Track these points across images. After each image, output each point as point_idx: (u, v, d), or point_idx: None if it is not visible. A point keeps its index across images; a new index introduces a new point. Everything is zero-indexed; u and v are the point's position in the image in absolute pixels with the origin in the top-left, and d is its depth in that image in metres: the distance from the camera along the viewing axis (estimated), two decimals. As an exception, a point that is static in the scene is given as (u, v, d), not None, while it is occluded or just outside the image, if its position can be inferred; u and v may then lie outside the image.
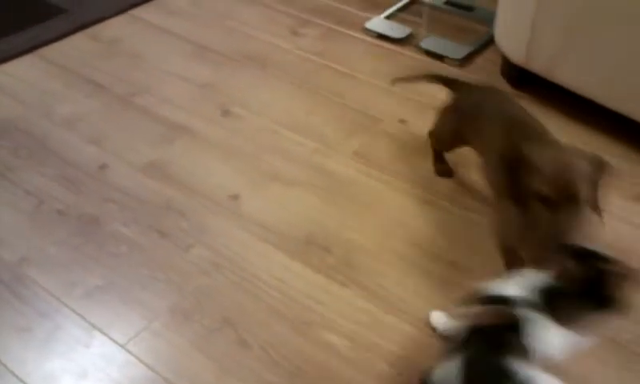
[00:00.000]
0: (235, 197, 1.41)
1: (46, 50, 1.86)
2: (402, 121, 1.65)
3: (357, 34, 2.01)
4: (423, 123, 1.64)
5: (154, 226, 1.34)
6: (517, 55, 1.70)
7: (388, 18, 2.06)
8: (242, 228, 1.34)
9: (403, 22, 2.05)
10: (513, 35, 1.69)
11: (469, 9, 2.11)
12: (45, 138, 1.56)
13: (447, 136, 1.41)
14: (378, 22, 2.03)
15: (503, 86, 1.76)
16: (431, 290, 1.21)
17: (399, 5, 2.13)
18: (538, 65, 1.66)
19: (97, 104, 1.68)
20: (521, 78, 1.75)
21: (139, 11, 2.07)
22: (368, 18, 2.05)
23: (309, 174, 1.49)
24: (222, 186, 1.44)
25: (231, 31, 2.00)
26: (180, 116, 1.65)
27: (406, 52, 1.93)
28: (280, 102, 1.72)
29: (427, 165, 1.50)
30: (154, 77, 1.79)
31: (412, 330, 1.14)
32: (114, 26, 2.00)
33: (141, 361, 1.09)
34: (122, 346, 1.12)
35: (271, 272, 1.25)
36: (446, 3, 2.15)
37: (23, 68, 1.80)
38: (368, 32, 2.00)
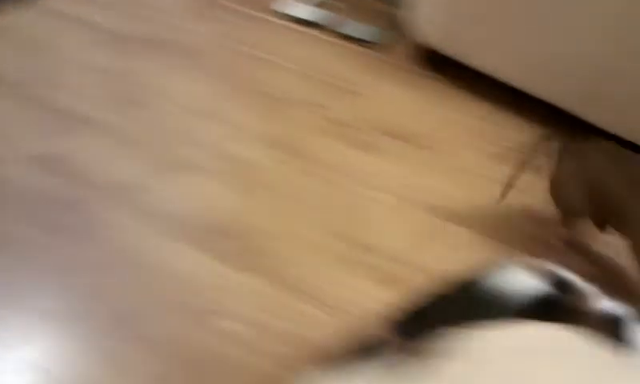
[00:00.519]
0: (140, 186, 1.32)
1: None
2: (320, 106, 1.60)
3: (268, 17, 1.92)
4: (341, 108, 1.61)
5: (45, 224, 1.22)
6: (432, 39, 1.69)
7: (306, 2, 2.00)
8: (143, 221, 1.24)
9: (316, 4, 1.99)
10: (429, 20, 1.67)
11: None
12: None
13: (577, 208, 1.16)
14: (288, 4, 1.95)
15: (415, 68, 1.75)
16: (343, 273, 1.18)
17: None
18: (453, 49, 1.66)
19: (-18, 95, 1.52)
20: (434, 60, 1.76)
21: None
22: (283, 2, 1.97)
23: (218, 161, 1.40)
24: (125, 177, 1.34)
25: (141, 18, 1.87)
26: (82, 106, 1.52)
27: (320, 35, 1.87)
28: (189, 87, 1.61)
29: (344, 149, 1.46)
30: (55, 66, 1.64)
31: (317, 312, 1.10)
32: (14, 13, 1.83)
33: (33, 365, 0.99)
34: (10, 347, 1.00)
35: (172, 264, 1.16)
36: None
37: None
38: (279, 15, 1.93)
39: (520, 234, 1.29)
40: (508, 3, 1.49)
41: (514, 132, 1.56)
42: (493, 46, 1.57)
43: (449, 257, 1.24)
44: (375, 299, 1.15)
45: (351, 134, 1.53)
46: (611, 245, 1.24)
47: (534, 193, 1.37)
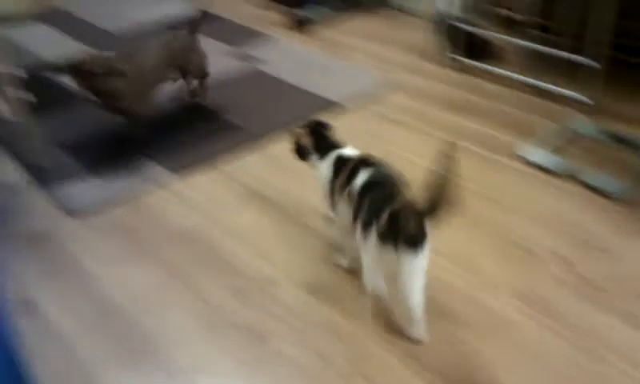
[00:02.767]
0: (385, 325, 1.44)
1: (223, 164, 2.05)
2: (567, 260, 1.62)
3: (510, 162, 2.02)
4: (590, 265, 1.59)
5: (316, 349, 1.40)
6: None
7: (543, 147, 2.06)
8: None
9: (559, 151, 2.04)
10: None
11: (632, 144, 2.06)
12: (220, 249, 1.70)
13: None
14: (533, 151, 2.03)
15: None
16: None
17: (554, 134, 2.13)
18: None
19: (267, 219, 1.81)
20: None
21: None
22: (521, 146, 2.06)
23: (465, 307, 1.49)
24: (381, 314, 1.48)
25: (389, 155, 2.08)
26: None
27: (562, 183, 1.91)
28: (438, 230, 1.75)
29: (592, 311, 1.45)
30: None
31: None
32: (285, 144, 2.16)
33: None
34: None
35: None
36: (609, 136, 2.11)
37: (202, 180, 1.98)
38: (521, 160, 2.01)
39: None
40: None
41: None
42: None
43: None
44: None
45: (604, 297, 1.50)
46: None
47: None
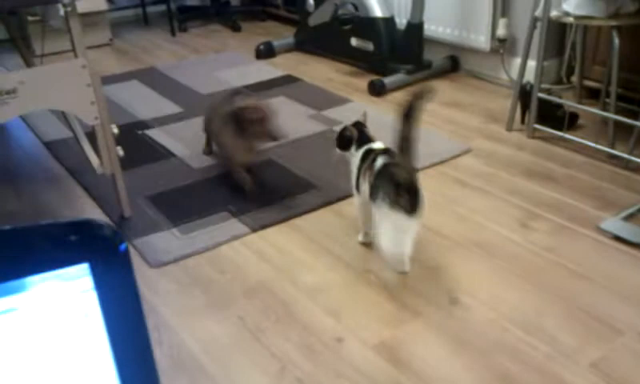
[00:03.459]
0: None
1: (298, 221, 2.12)
2: (646, 337, 1.56)
3: (590, 233, 1.98)
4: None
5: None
6: None
7: (625, 218, 2.01)
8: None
9: (625, 218, 1.99)
10: None
11: None
12: (291, 304, 1.74)
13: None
14: (614, 223, 1.99)
15: None
16: None
17: (635, 205, 2.08)
18: None
19: (337, 277, 1.85)
20: None
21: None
22: (602, 218, 2.02)
23: (539, 380, 1.45)
24: (447, 379, 1.47)
25: (460, 218, 2.10)
26: (411, 297, 1.74)
27: (648, 258, 1.85)
28: (509, 295, 1.73)
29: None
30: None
31: None
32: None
33: None
34: None
35: None
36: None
37: (278, 236, 2.05)
38: (602, 232, 1.97)
39: None
40: None
41: None
42: None
43: None
44: None
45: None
46: None
47: None
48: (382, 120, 2.85)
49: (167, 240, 2.03)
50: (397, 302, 1.73)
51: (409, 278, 1.82)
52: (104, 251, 0.57)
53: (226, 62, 3.76)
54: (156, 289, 1.83)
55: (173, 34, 4.34)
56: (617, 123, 2.46)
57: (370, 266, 1.88)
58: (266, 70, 3.58)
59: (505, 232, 2.00)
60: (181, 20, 4.48)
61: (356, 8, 3.44)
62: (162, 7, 4.62)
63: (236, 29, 4.42)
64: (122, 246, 0.59)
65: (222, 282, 1.84)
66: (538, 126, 2.63)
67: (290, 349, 1.59)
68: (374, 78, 3.22)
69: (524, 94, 2.70)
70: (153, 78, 3.51)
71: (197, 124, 2.88)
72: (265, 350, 1.59)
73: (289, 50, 3.89)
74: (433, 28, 3.43)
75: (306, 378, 1.50)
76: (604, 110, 2.62)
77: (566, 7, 2.44)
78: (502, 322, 1.64)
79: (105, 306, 0.63)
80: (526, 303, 1.70)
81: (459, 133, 2.71)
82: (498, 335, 1.59)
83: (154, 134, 2.80)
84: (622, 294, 1.71)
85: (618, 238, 1.93)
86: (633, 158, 2.32)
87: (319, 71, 3.54)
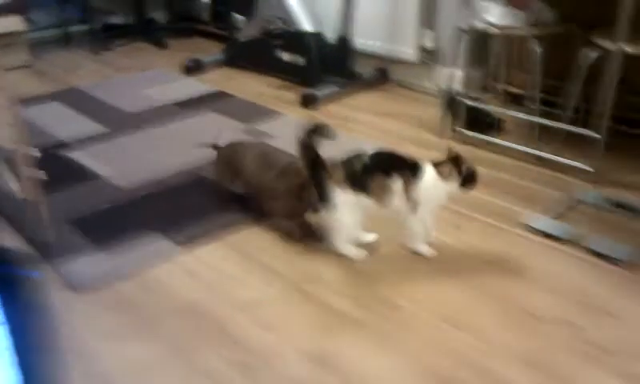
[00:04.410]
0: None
1: (230, 237, 2.06)
2: (577, 326, 1.60)
3: (520, 232, 2.03)
4: (600, 331, 1.58)
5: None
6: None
7: (547, 214, 2.07)
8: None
9: (564, 219, 2.05)
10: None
11: (634, 210, 2.08)
12: (224, 321, 1.68)
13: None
14: (542, 221, 2.04)
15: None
16: None
17: (558, 202, 2.14)
18: None
19: (272, 290, 1.80)
20: None
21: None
22: (526, 215, 2.07)
23: (472, 376, 1.45)
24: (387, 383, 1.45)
25: (394, 223, 2.10)
26: (347, 305, 1.72)
27: (568, 250, 1.91)
28: (443, 295, 1.74)
29: (598, 375, 1.41)
30: (323, 265, 1.90)
31: None
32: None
33: None
34: None
35: None
36: (611, 203, 2.13)
37: (209, 253, 1.99)
38: (531, 230, 2.01)
39: None
40: None
41: None
42: None
43: None
44: None
45: (613, 362, 1.48)
46: None
47: None
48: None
49: (92, 264, 1.93)
50: (334, 311, 1.70)
51: (345, 285, 1.80)
52: (12, 279, 0.52)
53: (152, 80, 3.66)
54: (79, 314, 1.72)
55: (96, 52, 4.21)
56: (541, 126, 2.55)
57: (304, 276, 1.85)
58: (196, 86, 3.51)
59: (438, 235, 2.01)
60: (104, 38, 4.35)
61: (285, 23, 3.43)
62: (84, 26, 4.48)
63: (162, 46, 4.33)
64: (35, 273, 0.54)
65: (150, 304, 1.76)
66: (467, 132, 2.69)
67: (224, 367, 1.52)
68: (306, 91, 3.21)
69: (452, 103, 2.76)
70: (75, 99, 3.37)
71: (123, 143, 2.78)
72: (196, 371, 1.52)
73: (218, 65, 3.83)
74: (362, 41, 3.46)
75: (242, 396, 1.44)
76: (529, 114, 2.70)
77: (490, 18, 2.52)
78: (437, 322, 1.64)
79: (15, 335, 0.57)
80: (459, 301, 1.71)
81: (391, 141, 2.74)
82: (433, 334, 1.59)
83: (78, 155, 2.68)
84: (548, 285, 1.76)
85: (545, 235, 1.98)
86: (557, 159, 2.41)
87: (250, 86, 3.50)
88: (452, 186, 1.85)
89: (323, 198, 1.85)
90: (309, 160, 1.87)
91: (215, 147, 2.26)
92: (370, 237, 1.98)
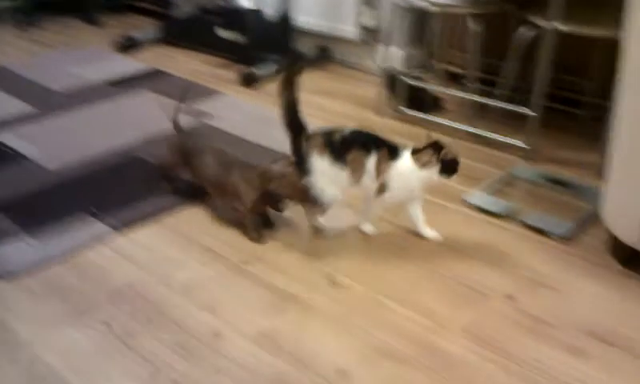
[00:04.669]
0: (343, 373, 1.40)
1: (166, 218, 2.00)
2: (510, 297, 1.64)
3: (458, 207, 2.05)
4: (537, 303, 1.62)
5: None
6: (628, 235, 1.68)
7: (486, 191, 2.11)
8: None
9: (502, 195, 2.09)
10: (624, 215, 1.68)
11: (569, 185, 2.14)
12: (162, 304, 1.63)
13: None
14: (479, 196, 2.07)
15: (611, 263, 1.74)
16: None
17: (497, 179, 2.19)
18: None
19: (211, 271, 1.76)
20: (631, 257, 1.72)
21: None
22: (466, 192, 2.10)
23: (418, 351, 1.47)
24: (331, 361, 1.44)
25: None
26: (290, 285, 1.70)
27: (505, 225, 1.95)
28: (385, 273, 1.74)
29: (538, 346, 1.45)
30: (264, 245, 1.87)
31: None
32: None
33: None
34: None
35: None
36: (546, 179, 2.19)
37: (145, 234, 1.92)
38: (468, 205, 2.05)
39: None
40: None
41: None
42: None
43: None
44: None
45: (552, 333, 1.52)
46: None
47: None
48: (253, 111, 2.80)
49: (20, 250, 1.83)
50: (275, 290, 1.68)
51: (290, 266, 1.78)
52: None
53: (84, 58, 3.50)
54: (7, 303, 1.63)
55: (24, 29, 3.99)
56: (480, 105, 2.59)
57: (245, 256, 1.81)
58: (129, 65, 3.38)
59: (382, 214, 2.01)
60: (32, 14, 4.13)
61: (223, -1, 3.35)
62: (11, 1, 4.24)
63: (95, 23, 4.15)
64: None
65: (84, 288, 1.68)
66: (408, 111, 2.70)
67: (163, 350, 1.48)
68: (246, 69, 3.15)
69: (393, 81, 2.77)
70: (1, 78, 3.19)
71: (53, 124, 2.65)
72: (135, 355, 1.46)
73: (154, 43, 3.70)
74: (303, 19, 3.42)
75: (181, 378, 1.40)
76: (468, 93, 2.74)
77: (427, -5, 2.52)
78: (380, 299, 1.64)
79: None
80: (405, 280, 1.72)
81: (330, 120, 2.71)
82: (379, 313, 1.59)
83: (5, 137, 2.53)
84: (488, 260, 1.79)
85: (482, 210, 2.02)
86: (495, 137, 2.45)
87: (187, 64, 3.40)
88: (430, 173, 1.78)
89: (300, 161, 1.82)
90: (289, 117, 1.84)
91: (176, 126, 2.15)
92: (369, 227, 1.94)
